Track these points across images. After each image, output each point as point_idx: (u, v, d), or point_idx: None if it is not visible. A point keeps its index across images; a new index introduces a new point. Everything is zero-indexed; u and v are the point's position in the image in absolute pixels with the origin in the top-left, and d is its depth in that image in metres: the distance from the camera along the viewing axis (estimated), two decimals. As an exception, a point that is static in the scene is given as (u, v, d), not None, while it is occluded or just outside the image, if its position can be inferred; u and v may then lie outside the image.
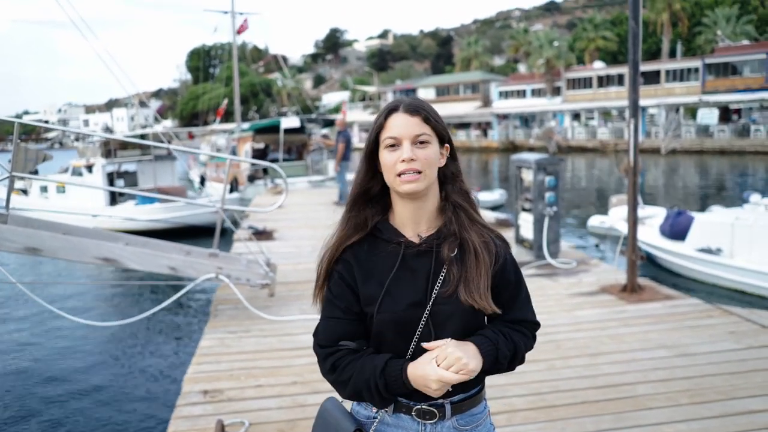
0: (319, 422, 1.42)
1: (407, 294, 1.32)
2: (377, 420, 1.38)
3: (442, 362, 1.22)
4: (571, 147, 38.26)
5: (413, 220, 1.36)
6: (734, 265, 7.45)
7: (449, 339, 1.28)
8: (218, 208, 5.38)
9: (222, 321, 5.06)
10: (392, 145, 1.31)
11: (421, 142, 1.30)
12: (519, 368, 1.43)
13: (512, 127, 45.52)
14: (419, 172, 1.29)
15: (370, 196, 1.39)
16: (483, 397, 1.43)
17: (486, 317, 1.37)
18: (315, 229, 9.54)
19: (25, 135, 71.97)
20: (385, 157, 1.31)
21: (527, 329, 1.41)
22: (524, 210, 7.21)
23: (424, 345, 1.29)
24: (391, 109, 1.33)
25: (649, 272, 7.90)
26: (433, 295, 1.31)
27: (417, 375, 1.26)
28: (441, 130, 1.34)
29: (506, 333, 1.36)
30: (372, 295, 1.33)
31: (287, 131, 18.25)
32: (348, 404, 1.45)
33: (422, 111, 1.32)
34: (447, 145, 1.37)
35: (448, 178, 1.38)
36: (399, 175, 1.29)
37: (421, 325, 1.31)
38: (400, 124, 1.31)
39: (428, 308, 1.31)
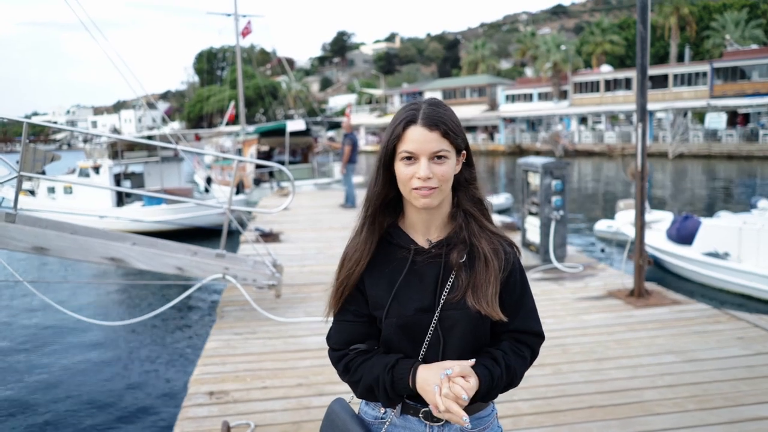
0: (327, 424, 1.43)
1: (415, 299, 1.32)
2: (386, 422, 1.38)
3: (446, 391, 1.21)
4: (578, 151, 38.14)
5: (424, 225, 1.37)
6: (742, 270, 7.40)
7: (467, 364, 1.26)
8: (225, 209, 5.40)
9: (228, 322, 5.07)
10: (409, 158, 1.28)
11: (439, 158, 1.27)
12: (525, 372, 1.42)
13: (519, 131, 45.44)
14: (434, 188, 1.28)
15: (387, 204, 1.38)
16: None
17: (492, 323, 1.37)
18: (321, 232, 9.56)
19: (33, 136, 72.50)
20: (402, 170, 1.29)
21: (529, 345, 1.39)
22: (531, 214, 7.19)
23: (447, 364, 1.26)
24: (410, 121, 1.28)
25: (655, 276, 7.85)
26: (441, 301, 1.31)
27: (423, 380, 1.26)
28: (459, 142, 1.31)
29: (509, 364, 1.33)
30: (380, 300, 1.34)
31: (292, 134, 18.31)
32: (356, 406, 1.46)
33: (441, 125, 1.27)
34: (463, 151, 1.35)
35: (462, 184, 1.37)
36: (414, 189, 1.28)
37: (430, 331, 1.31)
38: (418, 139, 1.26)
39: (437, 314, 1.31)
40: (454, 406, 1.18)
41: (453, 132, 1.29)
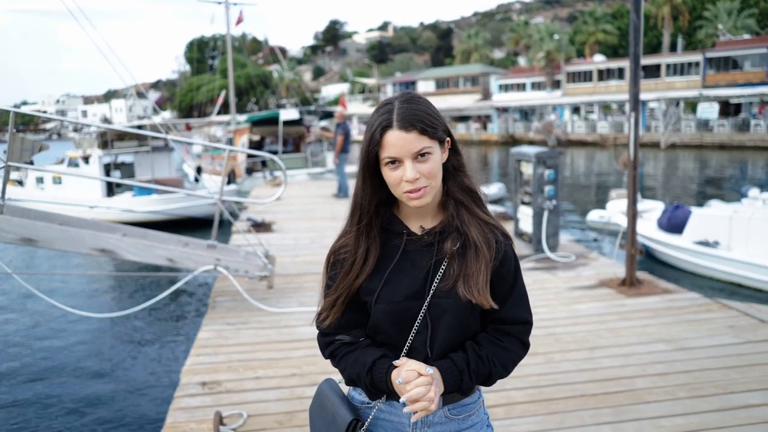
0: (317, 406, 1.44)
1: (406, 285, 1.32)
2: (373, 407, 1.38)
3: (411, 393, 1.22)
4: (571, 141, 38.21)
5: (417, 215, 1.37)
6: (731, 258, 7.46)
7: (427, 370, 1.25)
8: (216, 199, 5.36)
9: (220, 313, 5.05)
10: (393, 163, 1.27)
11: (422, 155, 1.26)
12: (514, 361, 1.41)
13: (512, 121, 45.41)
14: (424, 187, 1.27)
15: (379, 204, 1.36)
16: (476, 387, 1.43)
17: (482, 312, 1.36)
18: (313, 222, 9.53)
19: (23, 126, 71.66)
20: (389, 174, 1.28)
21: (513, 334, 1.37)
22: (523, 203, 7.20)
23: (397, 362, 1.28)
24: (385, 126, 1.25)
25: (646, 265, 7.90)
26: (432, 289, 1.30)
27: (395, 383, 1.28)
28: (440, 135, 1.30)
29: (484, 356, 1.33)
30: (371, 285, 1.34)
31: (285, 123, 18.20)
32: (345, 387, 1.47)
33: (417, 124, 1.24)
34: (448, 138, 1.34)
35: (450, 172, 1.36)
36: (405, 192, 1.27)
37: (419, 319, 1.31)
38: (397, 144, 1.24)
39: (427, 301, 1.30)
40: (417, 406, 1.22)
41: (431, 127, 1.27)
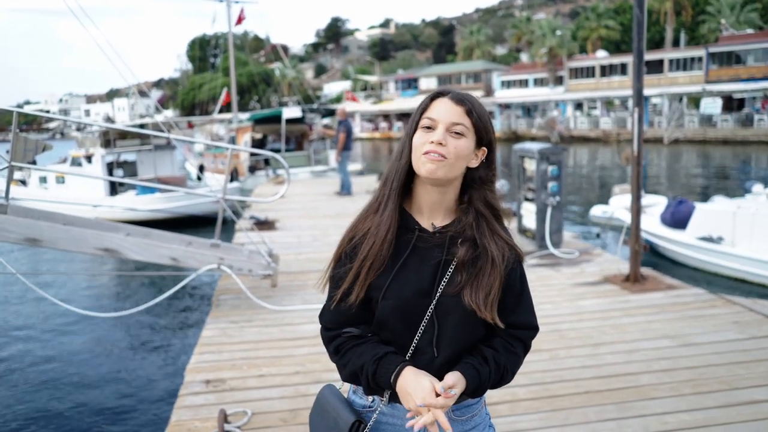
0: (318, 409, 1.42)
1: (414, 282, 1.31)
2: (375, 410, 1.37)
3: (424, 418, 1.22)
4: (574, 137, 38.10)
5: (430, 207, 1.36)
6: (735, 254, 7.43)
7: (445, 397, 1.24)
8: (220, 198, 5.36)
9: (224, 311, 5.05)
10: (428, 127, 1.30)
11: (456, 133, 1.29)
12: (519, 368, 1.42)
13: (514, 117, 45.32)
14: (444, 157, 1.27)
15: (407, 177, 1.36)
16: None
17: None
18: (316, 219, 9.53)
19: (26, 125, 71.85)
20: (418, 136, 1.31)
21: (522, 339, 1.39)
22: (527, 200, 7.19)
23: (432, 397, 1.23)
24: (440, 93, 1.33)
25: (649, 261, 7.87)
26: (440, 289, 1.30)
27: (405, 383, 1.25)
28: (481, 129, 1.32)
29: (499, 362, 1.34)
30: (378, 280, 1.32)
31: (287, 121, 18.19)
32: (345, 391, 1.45)
33: (467, 103, 1.30)
34: (484, 147, 1.35)
35: (476, 182, 1.35)
36: (424, 153, 1.28)
37: (426, 317, 1.30)
38: (441, 108, 1.30)
39: (435, 300, 1.30)
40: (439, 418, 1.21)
41: (477, 114, 1.31)
